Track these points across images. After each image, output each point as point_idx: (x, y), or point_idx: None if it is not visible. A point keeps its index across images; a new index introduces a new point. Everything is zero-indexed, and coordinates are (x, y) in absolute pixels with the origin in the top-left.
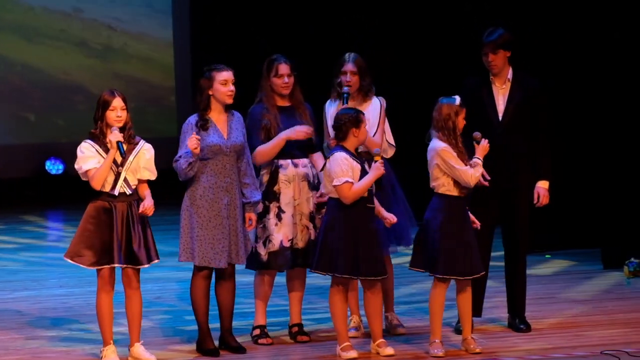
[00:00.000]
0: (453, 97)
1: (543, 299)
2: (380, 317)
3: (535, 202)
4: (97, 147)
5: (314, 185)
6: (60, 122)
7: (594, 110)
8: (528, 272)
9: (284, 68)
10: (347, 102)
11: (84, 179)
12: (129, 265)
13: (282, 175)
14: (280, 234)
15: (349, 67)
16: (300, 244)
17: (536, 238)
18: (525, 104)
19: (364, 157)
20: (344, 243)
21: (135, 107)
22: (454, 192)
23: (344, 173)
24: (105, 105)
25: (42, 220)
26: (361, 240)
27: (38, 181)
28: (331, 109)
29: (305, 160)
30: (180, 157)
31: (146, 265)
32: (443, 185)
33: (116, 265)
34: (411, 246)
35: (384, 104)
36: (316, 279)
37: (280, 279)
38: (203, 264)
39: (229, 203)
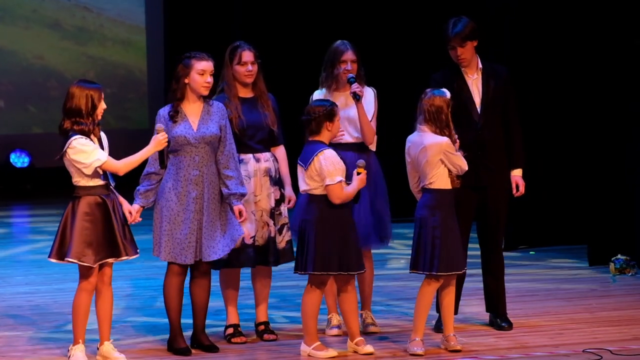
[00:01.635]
0: (442, 90)
1: (526, 296)
2: (357, 315)
3: (514, 192)
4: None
5: (276, 180)
6: (32, 109)
7: (583, 106)
8: (512, 269)
9: (247, 55)
10: (355, 95)
11: (88, 173)
12: (111, 259)
13: (243, 171)
14: (244, 229)
15: (349, 55)
16: (261, 241)
17: (520, 234)
18: (497, 93)
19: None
20: (332, 240)
21: (112, 94)
22: (448, 185)
23: (337, 172)
24: (94, 98)
25: (6, 215)
26: (349, 236)
27: (2, 174)
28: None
29: (267, 155)
30: (144, 178)
31: (135, 256)
32: (439, 179)
33: (123, 258)
34: (389, 244)
35: (376, 94)
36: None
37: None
38: (169, 260)
39: (198, 197)
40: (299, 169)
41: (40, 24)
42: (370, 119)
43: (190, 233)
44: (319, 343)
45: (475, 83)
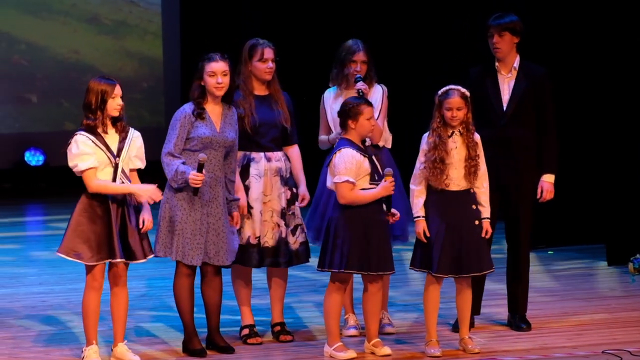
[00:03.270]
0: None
1: (544, 296)
2: (378, 316)
3: (538, 197)
4: (94, 139)
5: (287, 180)
6: (66, 104)
7: (603, 105)
8: (530, 269)
9: (268, 52)
10: (359, 92)
11: (77, 174)
12: (125, 260)
13: (253, 169)
14: (249, 229)
15: (360, 56)
16: (270, 242)
17: (539, 234)
18: (531, 94)
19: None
20: (354, 238)
21: (148, 88)
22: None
23: (347, 171)
24: (105, 93)
25: (20, 214)
26: (372, 235)
27: (16, 173)
28: (331, 99)
29: (279, 154)
30: (177, 166)
31: (143, 260)
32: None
33: (118, 260)
34: (407, 243)
35: (386, 91)
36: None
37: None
38: (178, 259)
39: (211, 200)
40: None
41: (78, 18)
42: (376, 117)
43: (200, 235)
44: (340, 344)
45: (507, 81)
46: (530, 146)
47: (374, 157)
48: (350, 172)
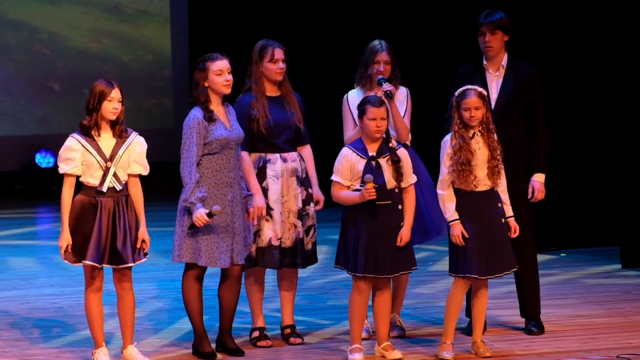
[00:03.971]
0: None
1: (558, 299)
2: (386, 319)
3: (529, 196)
4: (85, 142)
5: (302, 181)
6: (86, 92)
7: (613, 104)
8: (542, 271)
9: (279, 53)
10: (387, 93)
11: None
12: (111, 265)
13: (270, 171)
14: (271, 230)
15: (384, 56)
16: (288, 243)
17: (551, 236)
18: (520, 93)
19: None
20: (350, 238)
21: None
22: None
23: (336, 170)
24: (101, 95)
25: (31, 216)
26: (377, 236)
27: (27, 175)
28: (355, 99)
29: (294, 154)
30: (195, 195)
31: (131, 265)
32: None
33: (88, 262)
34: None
35: (409, 92)
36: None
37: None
38: (210, 265)
39: (232, 199)
40: None
41: (98, 7)
42: (402, 116)
43: (228, 236)
44: (356, 346)
45: (495, 80)
46: (520, 145)
47: (384, 161)
48: (339, 172)
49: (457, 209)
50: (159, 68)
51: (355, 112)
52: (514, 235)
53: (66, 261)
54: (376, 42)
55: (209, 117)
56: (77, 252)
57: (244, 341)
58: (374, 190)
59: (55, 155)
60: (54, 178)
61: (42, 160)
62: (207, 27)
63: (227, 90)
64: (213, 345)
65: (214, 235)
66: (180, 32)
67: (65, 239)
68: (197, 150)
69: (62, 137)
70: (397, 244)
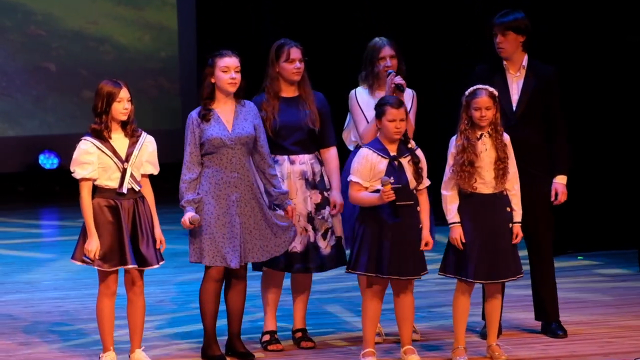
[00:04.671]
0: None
1: (574, 302)
2: (408, 322)
3: (552, 199)
4: (100, 144)
5: (313, 184)
6: (84, 72)
7: (632, 105)
8: (559, 275)
9: (295, 52)
10: (398, 86)
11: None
12: (138, 267)
13: (277, 172)
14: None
15: (387, 51)
16: (299, 248)
17: (568, 239)
18: (540, 94)
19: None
20: (365, 240)
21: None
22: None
23: (355, 171)
24: (110, 97)
25: (35, 218)
26: (387, 237)
27: (30, 176)
28: (364, 96)
29: (303, 157)
30: (185, 198)
31: (156, 266)
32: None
33: (129, 266)
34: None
35: (415, 95)
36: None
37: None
38: (213, 264)
39: (239, 199)
40: None
41: None
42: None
43: (233, 237)
44: (368, 350)
45: (516, 80)
46: (540, 147)
47: (405, 161)
48: (358, 173)
49: (460, 210)
50: (156, 50)
51: (365, 108)
52: (515, 241)
53: (96, 267)
54: (377, 39)
55: (203, 115)
56: (105, 256)
57: (255, 345)
58: (392, 192)
59: (59, 156)
60: (58, 180)
61: (46, 161)
62: (214, 11)
63: (232, 89)
64: (223, 350)
65: (217, 234)
66: (189, 15)
67: (95, 242)
68: (191, 149)
69: (66, 137)
70: (422, 248)
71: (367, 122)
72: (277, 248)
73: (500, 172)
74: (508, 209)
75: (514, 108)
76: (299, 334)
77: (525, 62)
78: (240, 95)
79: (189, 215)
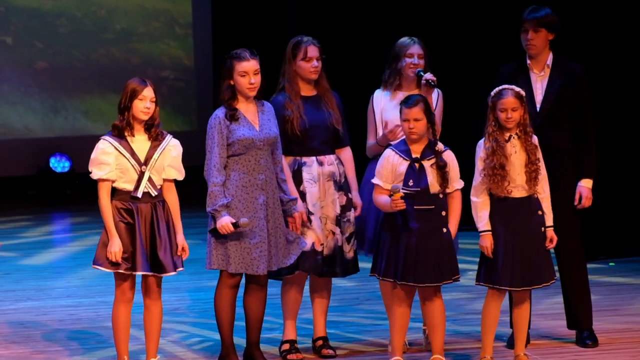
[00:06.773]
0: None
1: (606, 311)
2: (438, 330)
3: (576, 203)
4: (118, 144)
5: (340, 185)
6: (39, 45)
7: None
8: (590, 281)
9: (313, 50)
10: (429, 82)
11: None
12: (154, 274)
13: (306, 174)
14: (312, 236)
15: (416, 49)
16: (326, 251)
17: (599, 245)
18: (567, 94)
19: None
20: (385, 245)
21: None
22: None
23: (377, 173)
24: (133, 94)
25: (46, 222)
26: (407, 242)
27: (41, 179)
28: (382, 100)
29: (331, 157)
30: (220, 202)
31: (173, 273)
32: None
33: (140, 272)
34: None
35: (441, 94)
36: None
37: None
38: (240, 271)
39: (266, 202)
40: None
41: None
42: None
43: (262, 242)
44: (396, 358)
45: (540, 80)
46: (566, 149)
47: (427, 164)
48: (379, 175)
49: (491, 215)
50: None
51: (379, 113)
52: (550, 246)
53: (113, 270)
54: (406, 38)
55: (231, 115)
56: (123, 261)
57: (274, 354)
58: (402, 201)
59: (70, 159)
60: (69, 183)
61: (57, 164)
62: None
63: (252, 94)
64: (241, 359)
65: (245, 240)
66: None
67: (117, 243)
68: (220, 151)
69: (77, 140)
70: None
71: (378, 126)
72: (285, 260)
73: (533, 174)
74: (540, 212)
75: (538, 108)
76: (320, 342)
77: (550, 61)
78: (258, 95)
79: (230, 220)
